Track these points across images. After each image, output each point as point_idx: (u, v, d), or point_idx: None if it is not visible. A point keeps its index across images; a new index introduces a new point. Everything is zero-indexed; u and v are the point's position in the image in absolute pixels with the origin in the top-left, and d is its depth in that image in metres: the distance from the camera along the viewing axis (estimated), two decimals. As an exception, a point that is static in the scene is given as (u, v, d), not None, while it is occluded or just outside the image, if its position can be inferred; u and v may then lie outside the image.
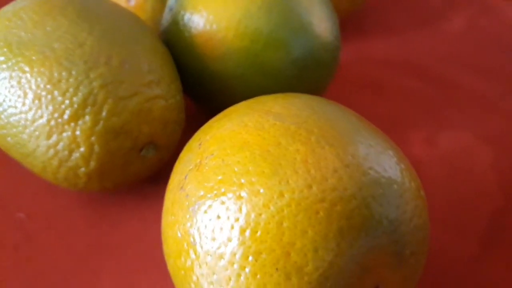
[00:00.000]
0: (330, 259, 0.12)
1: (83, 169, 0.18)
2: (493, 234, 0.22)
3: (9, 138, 0.18)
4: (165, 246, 0.14)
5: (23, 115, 0.17)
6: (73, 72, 0.17)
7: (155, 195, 0.22)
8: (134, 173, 0.19)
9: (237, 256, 0.12)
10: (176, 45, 0.21)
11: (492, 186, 0.24)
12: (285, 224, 0.12)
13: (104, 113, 0.17)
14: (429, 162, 0.26)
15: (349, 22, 0.36)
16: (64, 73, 0.17)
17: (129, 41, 0.18)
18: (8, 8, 0.19)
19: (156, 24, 0.26)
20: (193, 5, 0.21)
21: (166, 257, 0.14)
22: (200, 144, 0.14)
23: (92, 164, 0.17)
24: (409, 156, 0.26)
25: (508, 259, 0.20)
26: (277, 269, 0.11)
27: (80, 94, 0.17)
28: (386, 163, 0.13)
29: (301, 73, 0.21)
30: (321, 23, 0.21)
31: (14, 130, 0.17)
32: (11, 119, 0.17)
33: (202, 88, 0.22)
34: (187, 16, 0.21)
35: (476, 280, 0.20)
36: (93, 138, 0.17)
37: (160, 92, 0.18)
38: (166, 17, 0.22)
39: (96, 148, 0.17)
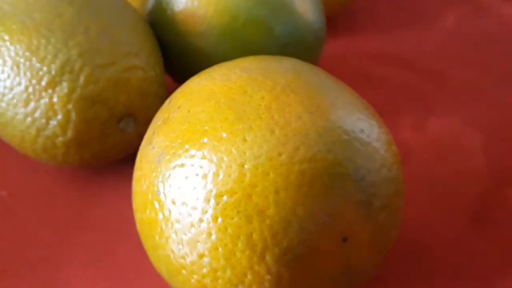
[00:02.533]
0: (291, 203, 0.11)
1: (60, 138, 0.17)
2: (482, 212, 0.21)
3: (-11, 108, 0.18)
4: (133, 204, 0.14)
5: (1, 83, 0.17)
6: (52, 40, 0.17)
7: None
8: (113, 146, 0.19)
9: (199, 200, 0.11)
10: (159, 24, 0.22)
11: (481, 168, 0.24)
12: (246, 166, 0.11)
13: (81, 81, 0.17)
14: (417, 146, 0.25)
15: (340, 17, 0.36)
16: (42, 41, 0.17)
17: (109, 14, 0.18)
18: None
19: (142, 9, 0.26)
20: (175, -15, 0.21)
21: (134, 215, 0.14)
22: (170, 101, 0.14)
23: (70, 133, 0.17)
24: (397, 141, 0.26)
25: (497, 235, 0.20)
26: (238, 212, 0.11)
27: (58, 61, 0.17)
28: (354, 113, 0.13)
29: (283, 52, 0.21)
30: (303, 2, 0.22)
31: (2, 104, 0.17)
32: (-8, 89, 0.17)
33: (185, 66, 0.22)
34: (169, -4, 0.21)
35: (464, 255, 0.19)
36: (70, 106, 0.17)
37: (138, 63, 0.18)
38: (151, 1, 0.23)
39: (73, 116, 0.17)
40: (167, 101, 0.15)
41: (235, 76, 0.13)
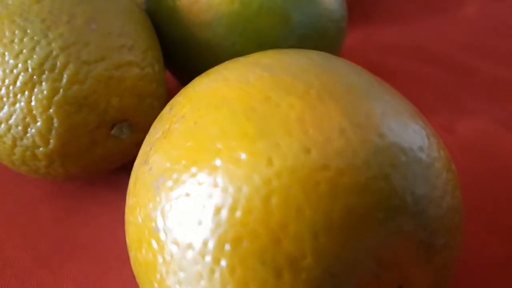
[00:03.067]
0: (336, 250, 0.08)
1: (41, 148, 0.15)
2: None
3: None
4: (127, 237, 0.11)
5: (-29, 84, 0.14)
6: (28, 31, 0.14)
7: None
8: (105, 156, 0.16)
9: (210, 245, 0.09)
10: (158, 13, 0.18)
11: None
12: (274, 201, 0.09)
13: (64, 80, 0.14)
14: (448, 150, 0.23)
15: (357, 6, 0.33)
16: (17, 31, 0.14)
17: (100, 3, 0.15)
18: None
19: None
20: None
21: (128, 250, 0.11)
22: (171, 108, 0.11)
23: (52, 142, 0.14)
24: None
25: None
26: (263, 262, 0.08)
27: (35, 56, 0.14)
28: (408, 124, 0.10)
29: (302, 44, 0.18)
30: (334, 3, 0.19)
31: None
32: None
33: (188, 62, 0.19)
34: (170, -22, 0.18)
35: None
36: (51, 110, 0.14)
37: (133, 58, 0.15)
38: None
39: (56, 122, 0.14)
40: (167, 107, 0.12)
41: (254, 76, 0.10)
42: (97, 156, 0.16)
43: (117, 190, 0.19)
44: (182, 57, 0.19)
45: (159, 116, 0.12)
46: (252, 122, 0.09)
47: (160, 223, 0.09)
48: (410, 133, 0.10)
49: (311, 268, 0.08)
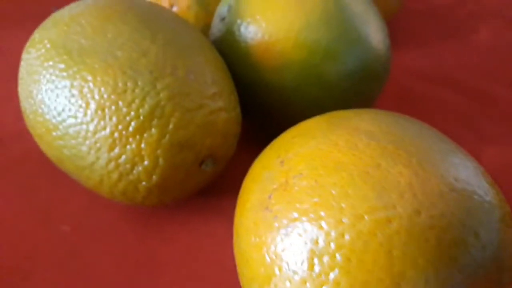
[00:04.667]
0: (440, 290, 0.11)
1: (144, 183, 0.16)
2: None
3: (65, 150, 0.16)
4: (245, 269, 0.13)
5: (84, 126, 0.16)
6: (139, 83, 0.15)
7: (205, 207, 0.21)
8: (192, 187, 0.18)
9: (341, 286, 0.11)
10: (230, 56, 0.20)
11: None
12: (394, 253, 0.11)
13: (171, 126, 0.16)
14: None
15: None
16: (129, 83, 0.15)
17: (192, 51, 0.17)
18: (63, 12, 0.18)
19: (199, 31, 0.24)
20: (250, 14, 0.20)
21: (245, 280, 0.13)
22: (281, 162, 0.13)
23: (155, 178, 0.16)
24: None
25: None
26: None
27: (146, 105, 0.15)
28: (483, 185, 0.12)
29: (355, 85, 0.20)
30: (376, 34, 0.21)
31: (73, 141, 0.16)
32: (70, 130, 0.16)
33: (255, 100, 0.21)
34: (243, 25, 0.20)
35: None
36: (158, 151, 0.16)
37: (223, 104, 0.17)
38: (218, 27, 0.21)
39: (161, 161, 0.16)
40: (274, 158, 0.14)
41: (362, 144, 0.12)
42: (188, 188, 0.17)
43: (190, 211, 0.21)
44: (249, 96, 0.21)
45: (261, 164, 0.14)
46: (369, 186, 0.11)
47: (292, 264, 0.11)
48: (487, 193, 0.12)
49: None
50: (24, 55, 0.18)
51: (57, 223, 0.20)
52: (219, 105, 0.17)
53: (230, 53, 0.20)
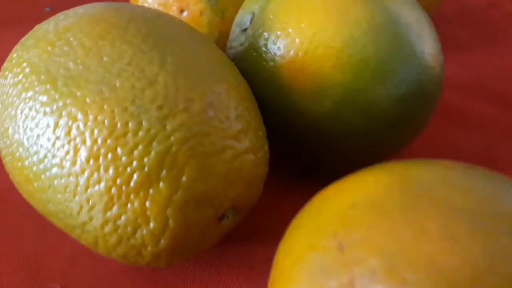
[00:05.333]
0: None
1: (149, 248, 0.13)
2: None
3: (50, 205, 0.13)
4: None
5: (72, 179, 0.12)
6: (144, 123, 0.12)
7: (220, 257, 0.17)
8: (208, 243, 0.14)
9: None
10: (254, 77, 0.16)
11: None
12: None
13: (184, 178, 0.12)
14: None
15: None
16: (131, 123, 0.12)
17: (211, 77, 0.13)
18: (47, 26, 0.14)
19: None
20: (280, 26, 0.16)
21: None
22: (340, 246, 0.10)
23: (163, 242, 0.13)
24: None
25: None
26: None
27: (153, 153, 0.12)
28: None
29: (407, 111, 0.17)
30: (431, 48, 0.17)
31: (59, 196, 0.12)
32: (55, 182, 0.12)
33: (283, 128, 0.17)
34: (271, 39, 0.16)
35: None
36: (168, 211, 0.12)
37: (249, 143, 0.13)
38: (239, 39, 0.17)
39: (171, 223, 0.12)
40: (332, 242, 0.10)
41: (464, 233, 0.08)
42: (202, 245, 0.14)
43: (204, 263, 0.17)
44: (277, 124, 0.17)
45: (305, 237, 0.10)
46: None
47: None
48: None
49: None
50: (0, 79, 0.14)
51: (46, 280, 0.16)
52: (245, 145, 0.13)
53: (254, 72, 0.16)
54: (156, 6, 0.20)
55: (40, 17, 0.33)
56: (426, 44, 0.16)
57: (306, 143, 0.17)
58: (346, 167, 0.18)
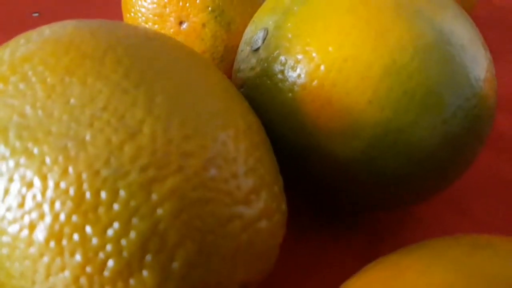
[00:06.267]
0: None
1: None
2: None
3: (4, 290, 0.10)
4: None
5: (27, 263, 0.09)
6: (121, 192, 0.09)
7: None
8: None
9: None
10: (267, 110, 0.13)
11: None
12: None
13: (176, 264, 0.09)
14: None
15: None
16: (103, 193, 0.09)
17: (214, 121, 0.10)
18: (2, 54, 0.11)
19: (215, 60, 0.18)
20: (300, 48, 0.12)
21: None
22: None
23: None
24: None
25: None
26: None
27: (133, 232, 0.09)
28: None
29: (456, 152, 0.14)
30: (487, 75, 0.14)
31: (14, 282, 0.10)
32: (6, 264, 0.10)
33: (304, 172, 0.14)
34: (289, 65, 0.13)
35: None
36: (155, 307, 0.09)
37: (263, 205, 0.10)
38: (249, 62, 0.14)
39: (159, 320, 0.10)
40: None
41: None
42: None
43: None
44: (298, 168, 0.14)
45: None
46: None
47: None
48: None
49: None
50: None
51: None
52: (257, 209, 0.10)
53: (268, 105, 0.13)
54: (151, 17, 0.17)
55: (28, 23, 0.30)
56: (481, 69, 0.13)
57: (331, 189, 0.14)
58: (372, 212, 0.14)
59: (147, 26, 0.17)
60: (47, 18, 0.29)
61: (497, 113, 0.24)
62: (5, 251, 0.09)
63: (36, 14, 0.28)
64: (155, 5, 0.16)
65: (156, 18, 0.17)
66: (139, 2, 0.17)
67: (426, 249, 0.09)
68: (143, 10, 0.17)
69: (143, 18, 0.17)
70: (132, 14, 0.18)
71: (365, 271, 0.09)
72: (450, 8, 0.13)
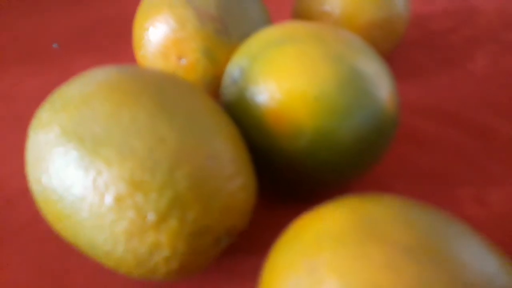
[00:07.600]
0: None
1: (163, 269, 0.16)
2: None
3: (78, 238, 0.15)
4: None
5: (99, 219, 0.15)
6: (157, 174, 0.15)
7: (217, 272, 0.20)
8: (208, 261, 0.17)
9: None
10: (244, 121, 0.19)
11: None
12: None
13: (190, 217, 0.15)
14: (484, 225, 0.22)
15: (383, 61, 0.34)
16: (146, 176, 0.15)
17: (210, 131, 0.16)
18: (73, 91, 0.16)
19: (206, 85, 0.23)
20: (263, 82, 0.19)
21: None
22: (312, 271, 0.13)
23: (174, 264, 0.15)
24: (462, 219, 0.23)
25: None
26: None
27: (165, 197, 0.15)
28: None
29: (369, 146, 0.20)
30: (388, 94, 0.20)
31: (86, 231, 0.15)
32: (83, 223, 0.15)
33: (269, 164, 0.20)
34: (257, 93, 0.19)
35: None
36: (178, 242, 0.15)
37: (241, 182, 0.16)
38: (230, 89, 0.20)
39: (180, 249, 0.15)
40: (300, 262, 0.13)
41: (404, 263, 0.11)
42: (204, 263, 0.17)
43: (205, 277, 0.20)
44: (265, 162, 0.20)
45: (284, 259, 0.13)
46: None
47: None
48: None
49: None
50: (31, 135, 0.17)
51: (71, 295, 0.19)
52: (238, 184, 0.16)
53: (244, 118, 0.19)
54: (157, 54, 0.23)
55: (49, 53, 0.34)
56: (384, 92, 0.19)
57: (287, 174, 0.20)
58: (320, 190, 0.21)
59: (155, 60, 0.23)
60: (66, 49, 0.33)
61: (421, 117, 0.30)
62: (84, 214, 0.15)
63: (56, 45, 0.33)
64: (160, 47, 0.22)
65: (161, 55, 0.23)
66: (148, 43, 0.23)
67: (340, 201, 0.15)
68: (151, 50, 0.23)
69: (152, 56, 0.22)
70: (143, 52, 0.23)
71: (305, 215, 0.15)
72: (363, 51, 0.20)
